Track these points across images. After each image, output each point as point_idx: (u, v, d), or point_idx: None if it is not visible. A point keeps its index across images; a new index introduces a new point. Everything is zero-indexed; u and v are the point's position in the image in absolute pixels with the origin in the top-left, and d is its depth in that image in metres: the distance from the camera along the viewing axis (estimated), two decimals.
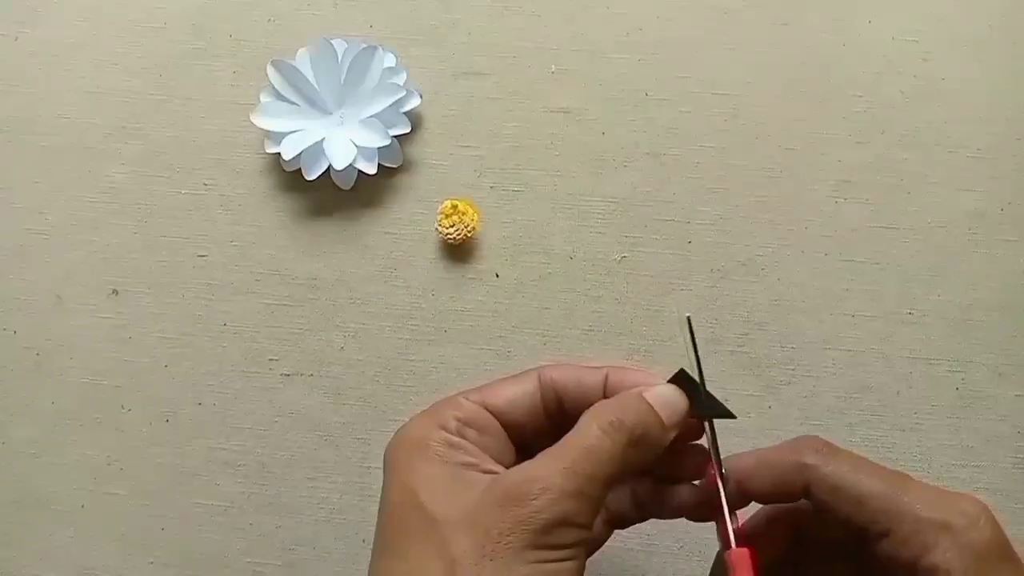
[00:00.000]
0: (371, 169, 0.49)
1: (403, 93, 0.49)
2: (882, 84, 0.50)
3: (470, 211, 0.49)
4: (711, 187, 0.50)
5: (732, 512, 0.35)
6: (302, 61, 0.49)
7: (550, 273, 0.50)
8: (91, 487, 0.50)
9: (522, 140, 0.51)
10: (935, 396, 0.48)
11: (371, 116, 0.49)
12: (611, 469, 0.32)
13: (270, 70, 0.49)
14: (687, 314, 0.37)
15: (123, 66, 0.52)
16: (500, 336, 0.49)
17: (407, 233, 0.50)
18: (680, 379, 0.36)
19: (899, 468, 0.47)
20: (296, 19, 0.52)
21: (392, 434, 0.35)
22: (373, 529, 0.37)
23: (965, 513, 0.32)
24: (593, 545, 0.37)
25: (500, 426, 0.36)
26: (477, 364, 0.49)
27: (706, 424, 0.36)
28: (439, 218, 0.49)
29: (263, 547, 0.49)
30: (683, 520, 0.37)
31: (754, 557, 0.34)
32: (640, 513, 0.37)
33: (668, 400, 0.35)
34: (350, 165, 0.48)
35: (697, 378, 0.36)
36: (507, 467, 0.34)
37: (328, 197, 0.50)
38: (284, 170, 0.50)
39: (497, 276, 0.50)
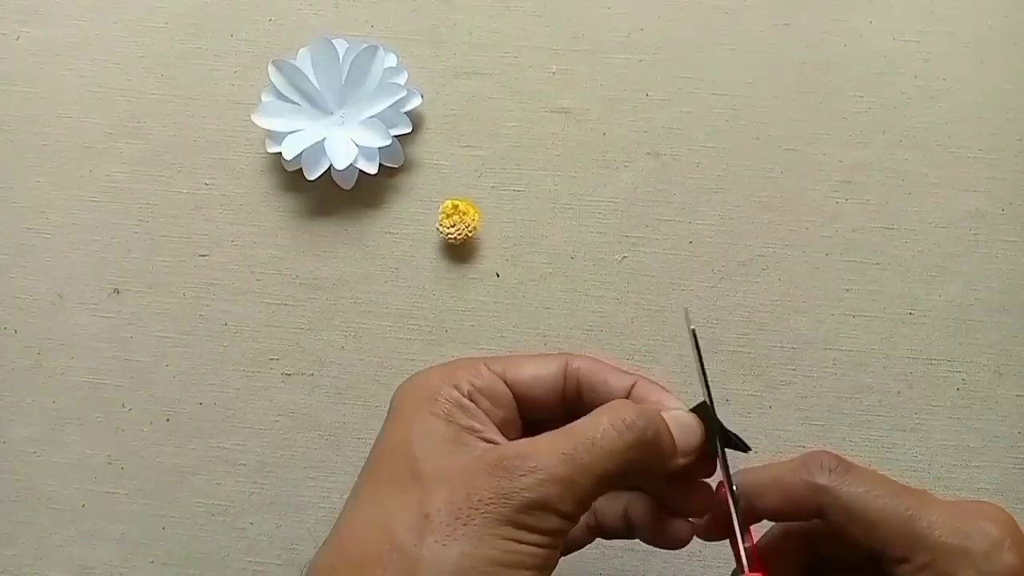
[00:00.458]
0: (372, 169, 0.49)
1: (404, 93, 0.49)
2: (883, 84, 0.50)
3: (471, 211, 0.49)
4: (712, 187, 0.50)
5: (746, 531, 0.34)
6: (303, 61, 0.49)
7: (551, 273, 0.50)
8: (91, 486, 0.50)
9: (523, 140, 0.51)
10: (936, 396, 0.48)
11: (372, 116, 0.49)
12: (610, 465, 0.31)
13: (271, 70, 0.49)
14: (692, 327, 0.36)
15: (124, 65, 0.52)
16: (501, 336, 0.49)
17: (408, 233, 0.50)
18: (701, 411, 0.35)
19: (899, 468, 0.48)
20: (297, 19, 0.52)
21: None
22: None
23: (986, 535, 0.31)
24: (571, 544, 0.36)
25: (514, 400, 0.35)
26: None
27: (718, 445, 0.35)
28: (440, 218, 0.49)
29: (263, 546, 0.49)
30: None
31: None
32: (629, 531, 0.36)
33: (685, 425, 0.34)
34: (351, 165, 0.49)
35: (709, 399, 0.35)
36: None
37: (329, 197, 0.50)
38: (285, 170, 0.50)
39: (498, 276, 0.50)
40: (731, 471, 0.35)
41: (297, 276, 0.50)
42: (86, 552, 0.49)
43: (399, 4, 0.52)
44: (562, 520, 0.30)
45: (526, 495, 0.29)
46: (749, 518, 0.35)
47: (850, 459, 0.48)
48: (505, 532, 0.29)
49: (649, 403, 0.35)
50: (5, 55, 0.52)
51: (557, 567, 0.31)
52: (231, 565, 0.49)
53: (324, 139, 0.49)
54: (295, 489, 0.49)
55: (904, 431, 0.48)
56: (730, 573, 0.36)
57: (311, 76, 0.49)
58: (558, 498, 0.30)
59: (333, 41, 0.49)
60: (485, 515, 0.29)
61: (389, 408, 0.34)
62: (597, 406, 0.33)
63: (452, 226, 0.48)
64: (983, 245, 0.49)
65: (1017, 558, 0.31)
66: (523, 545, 0.29)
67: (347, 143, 0.49)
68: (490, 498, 0.29)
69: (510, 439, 0.34)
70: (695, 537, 0.36)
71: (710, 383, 0.35)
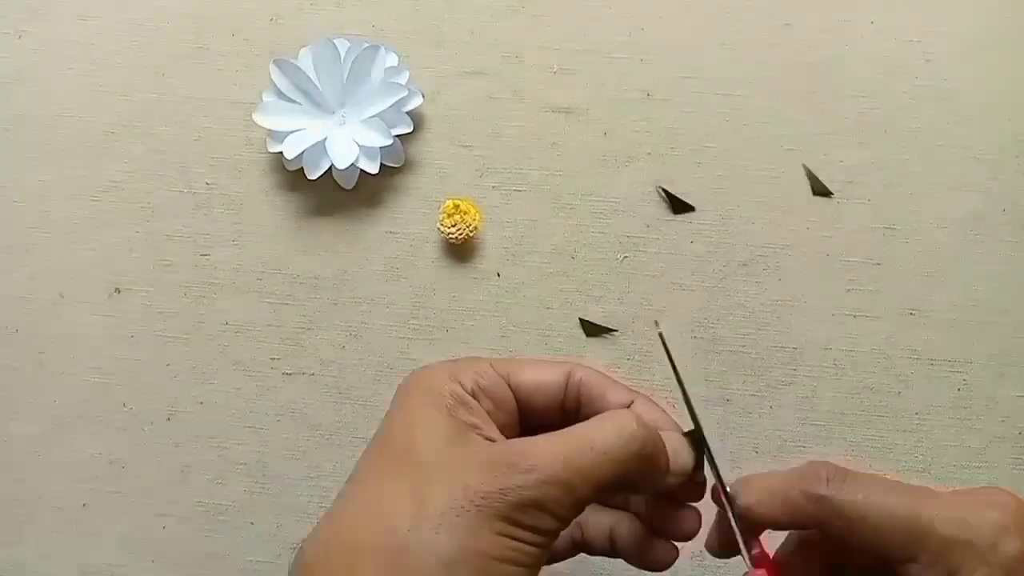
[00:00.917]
0: (373, 168, 0.49)
1: (405, 93, 0.49)
2: (884, 85, 0.50)
3: (472, 211, 0.49)
4: (713, 187, 0.50)
5: (752, 536, 0.34)
6: (304, 60, 0.50)
7: (552, 273, 0.50)
8: (93, 485, 0.50)
9: (524, 140, 0.51)
10: (936, 397, 0.48)
11: (373, 115, 0.49)
12: (608, 472, 0.31)
13: (272, 69, 0.49)
14: (659, 330, 0.36)
15: (126, 65, 0.52)
16: (502, 336, 0.49)
17: (409, 233, 0.50)
18: (692, 437, 0.36)
19: (900, 469, 0.48)
20: (298, 18, 0.52)
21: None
22: None
23: (990, 524, 0.31)
24: (554, 555, 0.36)
25: (515, 404, 0.35)
26: None
27: (705, 446, 0.35)
28: (441, 217, 0.49)
29: (264, 546, 0.49)
30: None
31: None
32: (613, 551, 0.37)
33: (678, 448, 0.34)
34: (352, 164, 0.49)
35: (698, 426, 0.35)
36: None
37: (330, 196, 0.50)
38: (286, 169, 0.50)
39: (498, 276, 0.50)
40: (730, 479, 0.35)
41: (298, 275, 0.50)
42: (87, 551, 0.49)
43: (400, 4, 0.52)
44: (556, 522, 0.30)
45: (524, 493, 0.29)
46: (751, 528, 0.35)
47: (851, 460, 0.49)
48: (500, 527, 0.29)
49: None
50: (7, 54, 0.52)
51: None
52: (232, 564, 0.49)
53: (325, 139, 0.49)
54: (296, 488, 0.49)
55: (904, 431, 0.48)
56: None
57: (312, 76, 0.49)
58: (555, 500, 0.30)
59: (334, 40, 0.49)
60: (481, 508, 0.29)
61: (393, 400, 0.34)
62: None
63: (453, 226, 0.48)
64: (984, 246, 0.49)
65: (1021, 543, 0.31)
66: (516, 542, 0.29)
67: (348, 143, 0.49)
68: (488, 492, 0.29)
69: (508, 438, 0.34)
70: (703, 551, 0.37)
71: (687, 389, 0.36)
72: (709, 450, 0.35)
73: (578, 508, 0.31)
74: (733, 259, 0.50)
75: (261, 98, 0.50)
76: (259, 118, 0.49)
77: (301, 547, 0.32)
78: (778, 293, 0.49)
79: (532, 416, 0.36)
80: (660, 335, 0.36)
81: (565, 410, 0.36)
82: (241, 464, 0.49)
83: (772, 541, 0.36)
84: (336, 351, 0.50)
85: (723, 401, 0.49)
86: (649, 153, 0.50)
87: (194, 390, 0.50)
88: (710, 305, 0.49)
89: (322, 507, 0.49)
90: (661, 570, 0.36)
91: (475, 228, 0.49)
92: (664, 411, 0.36)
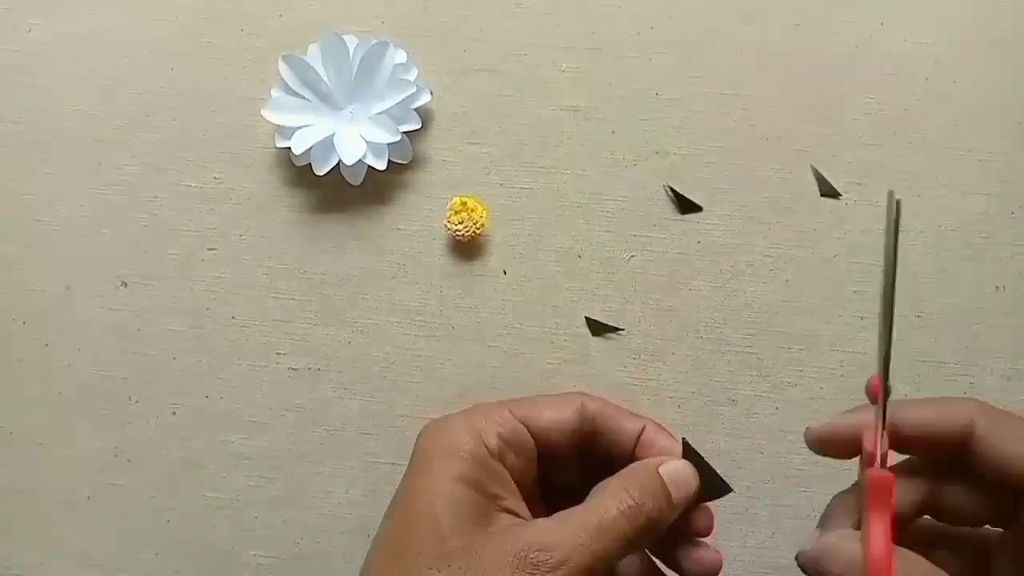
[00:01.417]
0: (381, 165, 0.49)
1: (414, 89, 0.49)
2: (893, 86, 0.50)
3: (479, 208, 0.49)
4: (720, 187, 0.50)
5: (883, 437, 0.32)
6: (313, 56, 0.50)
7: (558, 271, 0.50)
8: (97, 478, 0.50)
9: (532, 138, 0.51)
10: None
11: (381, 112, 0.49)
12: (623, 549, 0.34)
13: (281, 65, 0.49)
14: (897, 197, 0.33)
15: (134, 59, 0.52)
16: (507, 333, 0.49)
17: (416, 229, 0.50)
18: (686, 451, 0.37)
19: None
20: (307, 14, 0.52)
21: (396, 429, 0.35)
22: (378, 525, 0.37)
23: None
24: None
25: (535, 447, 0.38)
26: (484, 361, 0.49)
27: (879, 332, 0.33)
28: (448, 215, 0.49)
29: (269, 541, 0.49)
30: None
31: (893, 489, 0.31)
32: (650, 573, 0.39)
33: (680, 479, 0.36)
34: (360, 161, 0.49)
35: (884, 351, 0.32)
36: (527, 490, 0.35)
37: (337, 192, 0.50)
38: (294, 165, 0.50)
39: (505, 273, 0.50)
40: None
41: (305, 271, 0.50)
42: (91, 544, 0.49)
43: (410, 0, 0.52)
44: None
45: None
46: (890, 442, 0.33)
47: (855, 461, 0.49)
48: None
49: (656, 448, 0.38)
50: (16, 48, 0.52)
51: None
52: (236, 559, 0.49)
53: (333, 134, 0.49)
54: (300, 484, 0.49)
55: None
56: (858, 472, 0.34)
57: (321, 71, 0.49)
58: None
59: (343, 36, 0.49)
60: None
61: (412, 454, 0.35)
62: (610, 449, 0.36)
63: (460, 223, 0.48)
64: (992, 248, 0.49)
65: None
66: None
67: (356, 139, 0.49)
68: None
69: (526, 485, 0.36)
70: None
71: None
72: (888, 348, 0.32)
73: None
74: (740, 259, 0.49)
75: (269, 93, 0.50)
76: (267, 113, 0.49)
77: None
78: (785, 294, 0.49)
79: (549, 450, 0.38)
80: (898, 202, 0.33)
81: (582, 440, 0.38)
82: (246, 459, 0.49)
83: None
84: (342, 347, 0.50)
85: (728, 402, 0.49)
86: (657, 152, 0.50)
87: (200, 384, 0.50)
88: (717, 305, 0.49)
89: (326, 502, 0.49)
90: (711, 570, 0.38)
91: (482, 226, 0.49)
92: (670, 435, 0.38)
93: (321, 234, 0.50)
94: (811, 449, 0.35)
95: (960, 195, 0.49)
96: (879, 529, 0.30)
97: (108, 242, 0.51)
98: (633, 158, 0.50)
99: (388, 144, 0.49)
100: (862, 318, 0.49)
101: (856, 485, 0.35)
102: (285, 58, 0.49)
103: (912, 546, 0.31)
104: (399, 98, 0.49)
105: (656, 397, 0.48)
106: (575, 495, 0.37)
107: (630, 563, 0.39)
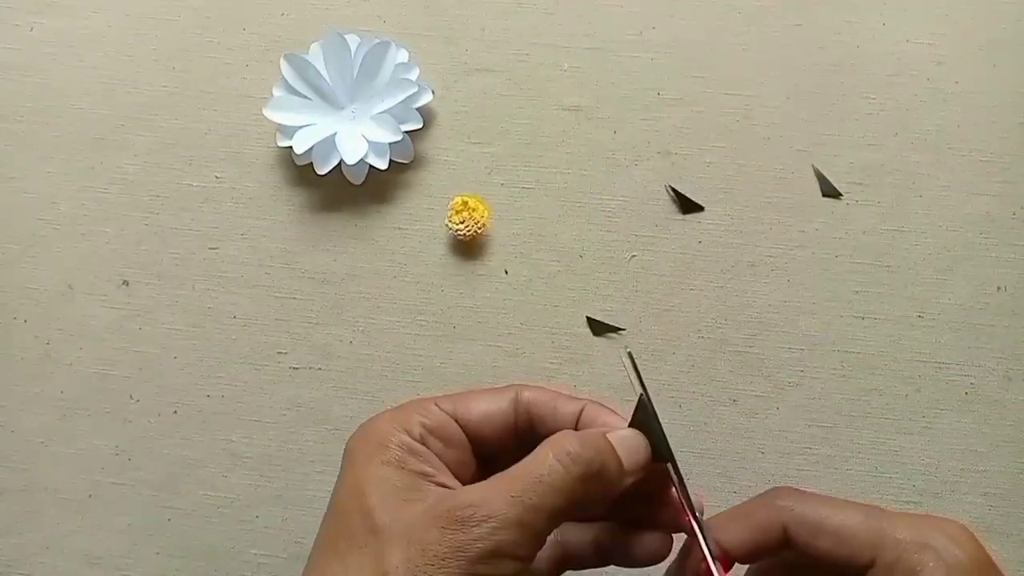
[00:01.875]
0: (382, 164, 0.49)
1: (415, 89, 0.49)
2: (895, 86, 0.50)
3: (480, 208, 0.49)
4: (722, 187, 0.50)
5: (714, 556, 0.34)
6: (315, 55, 0.50)
7: (559, 271, 0.50)
8: (98, 477, 0.50)
9: (533, 137, 0.51)
10: (944, 400, 0.48)
11: (383, 111, 0.49)
12: (559, 501, 0.32)
13: (283, 64, 0.49)
14: (628, 350, 0.36)
15: (136, 58, 0.52)
16: (509, 333, 0.49)
17: (417, 229, 0.50)
18: (640, 414, 0.35)
19: (906, 472, 0.48)
20: (309, 13, 0.52)
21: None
22: None
23: (946, 533, 0.32)
24: None
25: (466, 439, 0.36)
26: (485, 360, 0.49)
27: (668, 466, 0.35)
28: (449, 214, 0.49)
29: (269, 539, 0.49)
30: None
31: None
32: (600, 558, 0.37)
33: (630, 444, 0.34)
34: (361, 160, 0.49)
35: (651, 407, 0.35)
36: (465, 481, 0.34)
37: (339, 192, 0.51)
38: (295, 164, 0.50)
39: (506, 273, 0.50)
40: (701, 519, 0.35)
41: (306, 270, 0.50)
42: (92, 542, 0.49)
43: (411, 0, 0.52)
44: (517, 563, 0.31)
45: (479, 546, 0.30)
46: (720, 562, 0.35)
47: (856, 462, 0.49)
48: None
49: (598, 425, 0.36)
50: (18, 46, 0.52)
51: None
52: (236, 558, 0.49)
53: (335, 134, 0.49)
54: (301, 483, 0.49)
55: (912, 434, 0.48)
56: None
57: (323, 71, 0.49)
58: (511, 543, 0.31)
59: (345, 36, 0.49)
60: (441, 570, 0.30)
61: (343, 459, 0.35)
62: (548, 435, 0.34)
63: (461, 222, 0.48)
64: (993, 248, 0.49)
65: (977, 549, 0.32)
66: None
67: (358, 138, 0.49)
68: (445, 552, 0.30)
69: (465, 479, 0.35)
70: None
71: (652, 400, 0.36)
72: (681, 478, 0.35)
73: (538, 542, 0.32)
74: (741, 259, 0.49)
75: (271, 93, 0.50)
76: (269, 113, 0.49)
77: None
78: (786, 294, 0.49)
79: (486, 446, 0.37)
80: (629, 355, 0.36)
81: (519, 432, 0.37)
82: (247, 457, 0.49)
83: None
84: (343, 346, 0.50)
85: (729, 402, 0.49)
86: (658, 152, 0.50)
87: (201, 383, 0.50)
88: (718, 305, 0.49)
89: (327, 501, 0.49)
90: (657, 561, 0.36)
91: (483, 225, 0.49)
92: (613, 411, 0.36)
93: (322, 233, 0.50)
94: None
95: (961, 195, 0.49)
96: None
97: (109, 241, 0.51)
98: (634, 158, 0.50)
99: (390, 143, 0.49)
100: (863, 318, 0.49)
101: None
102: (287, 57, 0.49)
103: None
104: (401, 97, 0.49)
105: (657, 397, 0.48)
106: None
107: (605, 532, 0.37)
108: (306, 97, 0.50)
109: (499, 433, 0.36)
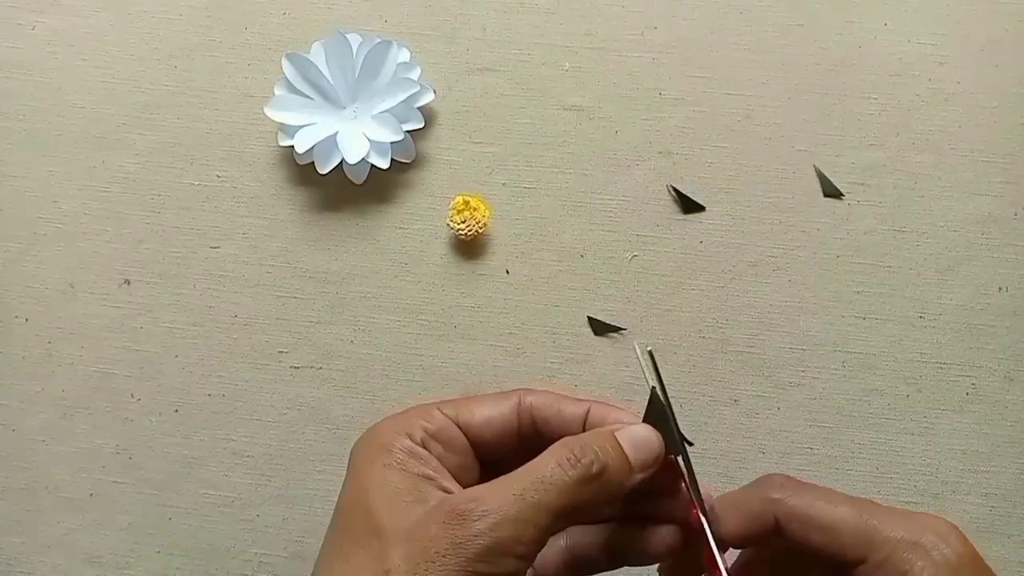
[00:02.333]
0: (384, 164, 0.49)
1: (417, 88, 0.49)
2: (897, 87, 0.50)
3: (482, 207, 0.49)
4: (723, 187, 0.50)
5: (721, 552, 0.34)
6: (316, 55, 0.50)
7: (560, 271, 0.50)
8: (99, 475, 0.50)
9: (535, 137, 0.51)
10: (945, 400, 0.48)
11: (384, 111, 0.49)
12: (561, 502, 0.32)
13: (284, 63, 0.49)
14: (648, 348, 0.36)
15: (138, 57, 0.52)
16: (510, 333, 0.49)
17: (418, 228, 0.50)
18: (653, 409, 0.35)
19: (907, 472, 0.48)
20: (311, 12, 0.52)
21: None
22: None
23: (935, 531, 0.32)
24: None
25: (468, 443, 0.36)
26: (486, 360, 0.49)
27: (679, 460, 0.35)
28: (451, 214, 0.49)
29: (270, 538, 0.49)
30: None
31: None
32: (612, 560, 0.37)
33: (640, 441, 0.34)
34: (363, 159, 0.49)
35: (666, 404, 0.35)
36: (467, 485, 0.34)
37: (340, 191, 0.51)
38: (297, 163, 0.50)
39: (507, 273, 0.50)
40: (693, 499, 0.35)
41: (307, 269, 0.50)
42: (93, 541, 0.49)
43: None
44: (518, 560, 0.31)
45: (479, 542, 0.30)
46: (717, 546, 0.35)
47: (857, 462, 0.49)
48: None
49: (607, 425, 0.35)
50: (20, 45, 0.52)
51: None
52: (237, 556, 0.49)
53: (336, 133, 0.49)
54: (302, 481, 0.49)
55: (912, 435, 0.48)
56: None
57: (324, 70, 0.49)
58: (511, 540, 0.31)
59: (347, 35, 0.49)
60: (442, 567, 0.30)
61: (348, 463, 0.35)
62: (554, 438, 0.34)
63: (463, 222, 0.48)
64: (995, 249, 0.49)
65: (965, 547, 0.32)
66: None
67: (359, 137, 0.49)
68: (446, 549, 0.30)
69: (467, 483, 0.35)
70: None
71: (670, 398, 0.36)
72: (692, 471, 0.35)
73: (539, 542, 0.32)
74: (743, 259, 0.49)
75: (273, 92, 0.50)
76: (270, 112, 0.49)
77: None
78: (787, 294, 0.49)
79: (489, 452, 0.37)
80: (650, 353, 0.36)
81: (523, 437, 0.37)
82: (247, 456, 0.49)
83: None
84: (344, 345, 0.50)
85: (731, 402, 0.49)
86: (660, 152, 0.50)
87: (202, 382, 0.50)
88: (719, 305, 0.49)
89: (328, 500, 0.49)
90: (672, 555, 0.36)
91: (484, 225, 0.49)
92: (620, 408, 0.36)
93: (323, 233, 0.51)
94: None
95: (963, 196, 0.49)
96: None
97: (111, 240, 0.51)
98: (636, 158, 0.50)
99: (391, 143, 0.49)
100: (864, 319, 0.49)
101: None
102: (288, 56, 0.49)
103: None
104: (402, 97, 0.49)
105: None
106: None
107: (617, 533, 0.36)
108: (308, 96, 0.50)
109: (502, 437, 0.36)
